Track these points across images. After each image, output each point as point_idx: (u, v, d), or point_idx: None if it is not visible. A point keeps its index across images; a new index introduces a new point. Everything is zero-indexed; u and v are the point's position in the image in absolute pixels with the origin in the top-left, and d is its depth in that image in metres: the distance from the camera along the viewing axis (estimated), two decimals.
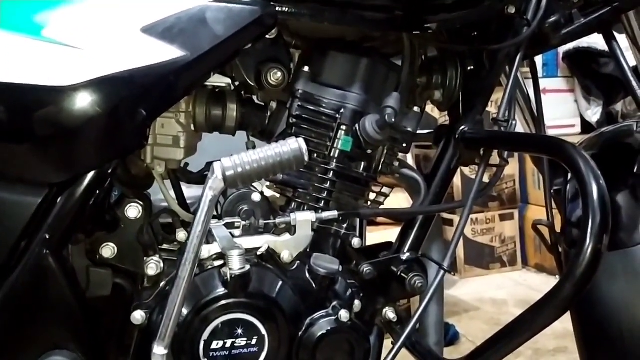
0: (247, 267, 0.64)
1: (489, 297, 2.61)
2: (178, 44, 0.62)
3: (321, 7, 0.67)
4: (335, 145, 0.75)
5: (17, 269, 0.60)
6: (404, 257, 0.84)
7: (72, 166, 0.62)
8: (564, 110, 3.01)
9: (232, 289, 0.63)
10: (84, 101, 0.58)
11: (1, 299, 0.60)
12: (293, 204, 0.77)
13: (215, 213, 0.78)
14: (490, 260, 3.09)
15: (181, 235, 0.76)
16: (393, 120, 0.73)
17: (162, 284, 0.70)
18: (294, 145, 0.57)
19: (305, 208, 0.76)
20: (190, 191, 0.87)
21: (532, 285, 2.76)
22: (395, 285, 0.82)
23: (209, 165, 0.90)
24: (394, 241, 0.91)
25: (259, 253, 0.70)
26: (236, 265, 0.63)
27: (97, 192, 0.63)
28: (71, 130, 0.59)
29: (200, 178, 0.90)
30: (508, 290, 2.74)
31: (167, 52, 0.61)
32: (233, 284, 0.62)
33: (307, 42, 0.79)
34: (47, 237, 0.61)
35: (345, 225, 0.79)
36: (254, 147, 0.88)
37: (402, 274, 0.81)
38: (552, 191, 1.08)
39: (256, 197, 0.76)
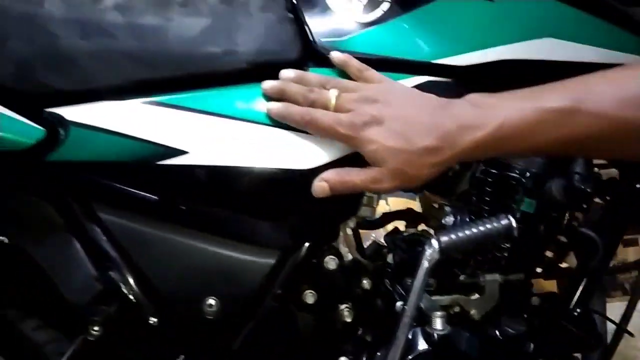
0: (449, 328, 0.69)
1: None
2: None
3: None
4: (518, 208, 0.79)
5: (253, 319, 0.71)
6: (574, 311, 0.86)
7: (303, 235, 0.72)
8: None
9: (437, 348, 0.68)
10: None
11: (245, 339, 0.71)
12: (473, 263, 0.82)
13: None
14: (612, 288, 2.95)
15: (365, 282, 0.84)
16: (581, 185, 0.75)
17: (359, 332, 0.78)
18: (506, 222, 0.62)
19: (487, 268, 0.80)
20: None
21: None
22: (567, 341, 0.84)
23: (385, 215, 0.97)
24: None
25: (452, 312, 0.75)
26: (439, 325, 0.69)
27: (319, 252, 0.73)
28: (306, 206, 0.68)
29: (371, 224, 0.97)
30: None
31: None
32: (438, 344, 0.68)
33: None
34: (279, 292, 0.71)
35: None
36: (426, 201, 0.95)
37: (573, 329, 0.82)
38: None
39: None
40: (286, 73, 0.68)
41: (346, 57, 0.69)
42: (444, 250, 0.62)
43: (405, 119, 0.63)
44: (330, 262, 0.80)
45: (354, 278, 0.83)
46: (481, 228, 0.62)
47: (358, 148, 0.65)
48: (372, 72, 0.69)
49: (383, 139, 0.63)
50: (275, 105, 0.66)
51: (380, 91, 0.66)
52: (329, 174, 0.66)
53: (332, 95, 0.66)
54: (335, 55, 0.69)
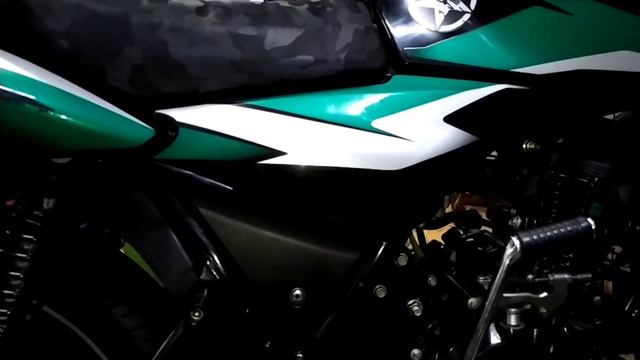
0: (523, 324, 0.73)
1: None
2: (472, 130, 0.73)
3: None
4: (586, 211, 0.82)
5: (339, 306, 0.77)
6: (630, 312, 0.89)
7: (382, 234, 0.76)
8: None
9: (511, 342, 0.72)
10: (405, 183, 0.72)
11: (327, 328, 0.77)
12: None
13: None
14: None
15: (430, 279, 0.88)
16: None
17: (430, 326, 0.83)
18: (586, 225, 0.65)
19: (553, 267, 0.84)
20: None
21: None
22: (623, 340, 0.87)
23: (447, 216, 1.01)
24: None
25: (523, 309, 0.79)
26: (514, 321, 0.73)
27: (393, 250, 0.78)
28: (390, 207, 0.73)
29: (433, 224, 1.01)
30: None
31: (464, 138, 0.73)
32: (513, 338, 0.72)
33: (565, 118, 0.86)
34: (361, 285, 0.76)
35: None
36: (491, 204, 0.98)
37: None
38: None
39: None
40: None
41: None
42: (525, 249, 0.66)
43: None
44: (402, 259, 0.84)
45: (421, 275, 0.88)
46: (562, 230, 0.66)
47: None
48: None
49: None
50: None
51: None
52: None
53: None
54: None
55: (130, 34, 0.68)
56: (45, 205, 0.72)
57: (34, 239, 0.72)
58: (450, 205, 1.14)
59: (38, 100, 0.62)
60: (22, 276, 0.72)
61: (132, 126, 0.67)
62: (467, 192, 0.91)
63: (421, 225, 0.89)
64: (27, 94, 0.62)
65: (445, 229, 0.97)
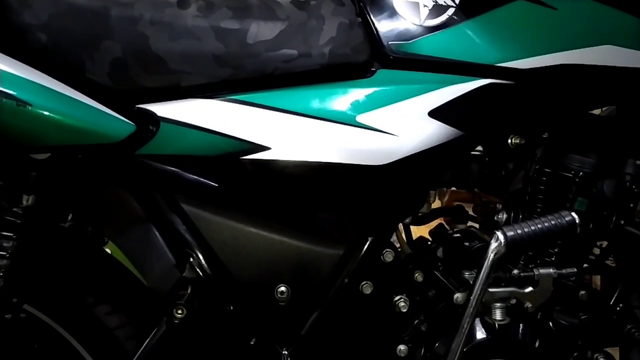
0: (508, 319, 0.73)
1: None
2: (456, 124, 0.73)
3: None
4: (571, 206, 0.82)
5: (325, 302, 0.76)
6: (615, 307, 0.89)
7: (368, 229, 0.76)
8: None
9: (497, 337, 0.72)
10: (390, 178, 0.71)
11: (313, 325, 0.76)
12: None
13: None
14: None
15: (417, 275, 0.88)
16: (633, 186, 0.78)
17: (416, 321, 0.82)
18: (570, 219, 0.65)
19: (539, 262, 0.84)
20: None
21: None
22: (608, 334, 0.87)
23: (433, 211, 1.01)
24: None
25: (508, 304, 0.79)
26: (499, 316, 0.73)
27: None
28: (375, 201, 0.72)
29: (419, 220, 1.01)
30: None
31: (449, 132, 0.73)
32: (498, 333, 0.72)
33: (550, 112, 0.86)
34: (346, 281, 0.75)
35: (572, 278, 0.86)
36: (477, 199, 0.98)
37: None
38: None
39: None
40: None
41: None
42: (509, 244, 0.66)
43: None
44: (388, 255, 0.84)
45: (407, 270, 0.87)
46: (546, 224, 0.66)
47: None
48: None
49: None
50: None
51: None
52: None
53: None
54: None
55: (110, 27, 0.67)
56: (24, 202, 0.71)
57: (14, 237, 0.70)
58: (440, 201, 1.14)
59: (16, 95, 0.61)
60: (1, 274, 0.71)
61: (112, 121, 0.66)
62: (454, 188, 0.91)
63: (407, 221, 0.89)
64: (4, 89, 0.61)
65: (433, 225, 0.97)
